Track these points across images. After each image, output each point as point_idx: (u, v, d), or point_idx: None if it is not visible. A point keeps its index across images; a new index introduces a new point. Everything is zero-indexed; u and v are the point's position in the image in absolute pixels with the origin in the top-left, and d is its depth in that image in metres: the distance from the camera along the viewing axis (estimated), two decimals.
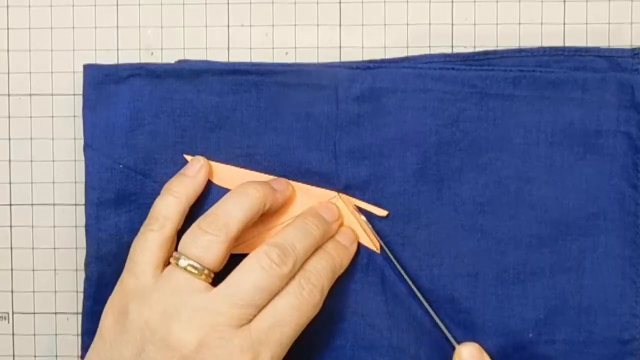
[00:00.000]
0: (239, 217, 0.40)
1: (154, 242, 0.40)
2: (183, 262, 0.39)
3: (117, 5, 0.46)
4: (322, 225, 0.42)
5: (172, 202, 0.41)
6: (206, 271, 0.39)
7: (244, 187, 0.41)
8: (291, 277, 0.39)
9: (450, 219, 0.44)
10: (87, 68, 0.45)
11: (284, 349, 0.39)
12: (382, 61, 0.45)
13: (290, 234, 0.40)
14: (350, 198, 0.44)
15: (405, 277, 0.43)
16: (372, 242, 0.44)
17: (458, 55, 0.45)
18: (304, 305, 0.39)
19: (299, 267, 0.40)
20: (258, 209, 0.41)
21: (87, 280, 0.45)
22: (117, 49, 0.46)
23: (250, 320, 0.38)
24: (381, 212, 0.44)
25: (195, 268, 0.39)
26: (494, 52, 0.45)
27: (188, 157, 0.44)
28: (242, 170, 0.44)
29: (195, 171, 0.43)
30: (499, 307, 0.44)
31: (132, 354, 0.38)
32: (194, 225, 0.40)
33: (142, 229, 0.41)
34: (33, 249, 0.47)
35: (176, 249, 0.40)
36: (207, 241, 0.39)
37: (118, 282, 0.41)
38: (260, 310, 0.39)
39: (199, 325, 0.37)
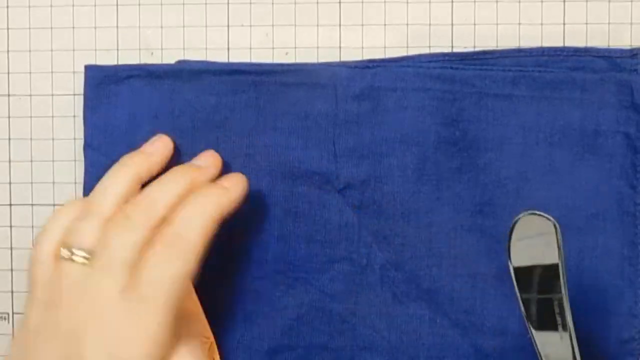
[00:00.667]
0: (110, 192, 0.39)
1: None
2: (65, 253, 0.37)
3: (117, 5, 0.46)
4: (189, 172, 0.40)
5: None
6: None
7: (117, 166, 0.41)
8: (153, 225, 0.38)
9: (450, 218, 0.44)
10: (88, 69, 0.45)
11: (170, 308, 0.36)
12: (382, 60, 0.45)
13: (150, 187, 0.39)
14: None
15: None
16: None
17: (457, 54, 0.45)
18: (173, 256, 0.37)
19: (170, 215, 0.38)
20: (132, 179, 0.40)
21: None
22: (117, 49, 0.46)
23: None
24: None
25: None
26: (493, 52, 0.45)
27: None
28: None
29: (153, 149, 0.43)
30: (498, 307, 0.44)
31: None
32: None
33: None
34: None
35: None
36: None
37: None
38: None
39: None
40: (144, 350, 0.36)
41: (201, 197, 0.39)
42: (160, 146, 0.43)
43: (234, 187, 0.41)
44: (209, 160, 0.43)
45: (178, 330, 0.37)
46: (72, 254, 0.37)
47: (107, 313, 0.36)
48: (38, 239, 0.39)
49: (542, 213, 0.35)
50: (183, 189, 0.39)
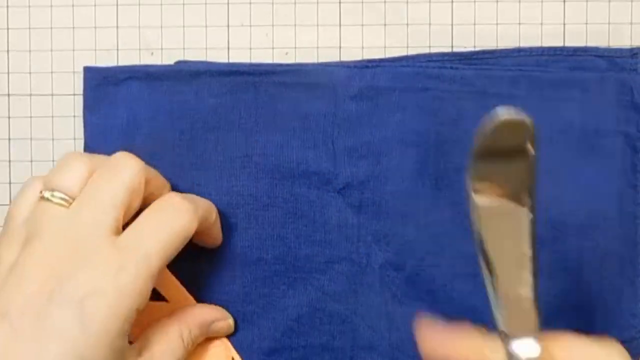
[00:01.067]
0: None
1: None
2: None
3: (117, 5, 0.46)
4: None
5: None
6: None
7: None
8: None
9: (450, 218, 0.44)
10: (87, 70, 0.45)
11: (150, 264, 0.37)
12: (381, 60, 0.45)
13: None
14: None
15: None
16: None
17: (457, 54, 0.45)
18: (169, 219, 0.38)
19: None
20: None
21: None
22: (117, 49, 0.46)
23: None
24: None
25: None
26: (493, 52, 0.45)
27: None
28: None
29: None
30: None
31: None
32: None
33: None
34: None
35: None
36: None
37: None
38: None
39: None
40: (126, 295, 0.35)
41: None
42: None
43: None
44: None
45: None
46: (54, 195, 0.37)
47: (92, 252, 0.36)
48: (22, 188, 0.40)
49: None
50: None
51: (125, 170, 0.38)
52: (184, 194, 0.41)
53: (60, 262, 0.35)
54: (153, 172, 0.41)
